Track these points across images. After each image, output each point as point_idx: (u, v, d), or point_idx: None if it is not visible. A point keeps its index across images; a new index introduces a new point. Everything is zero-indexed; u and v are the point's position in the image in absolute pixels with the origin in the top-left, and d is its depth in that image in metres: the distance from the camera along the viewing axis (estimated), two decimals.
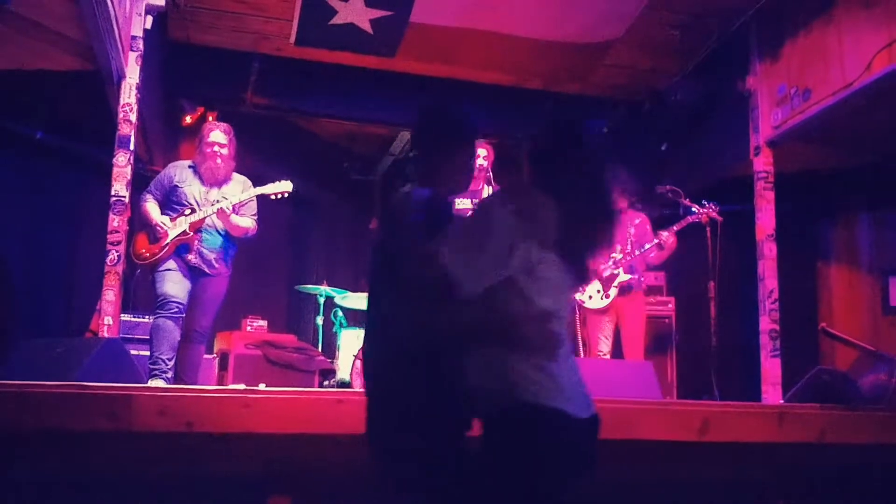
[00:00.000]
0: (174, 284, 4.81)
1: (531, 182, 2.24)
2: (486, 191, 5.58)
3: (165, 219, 4.89)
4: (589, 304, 5.88)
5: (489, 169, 5.52)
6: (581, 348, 6.22)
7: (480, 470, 2.08)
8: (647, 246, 5.78)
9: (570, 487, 2.13)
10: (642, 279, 5.95)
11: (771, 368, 5.63)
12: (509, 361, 2.08)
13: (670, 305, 6.85)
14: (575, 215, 2.13)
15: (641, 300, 5.94)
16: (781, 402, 5.11)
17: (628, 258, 5.77)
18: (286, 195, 5.08)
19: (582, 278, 2.27)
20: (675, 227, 5.71)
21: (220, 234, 4.98)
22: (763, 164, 5.89)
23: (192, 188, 4.97)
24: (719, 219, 5.65)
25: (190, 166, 5.07)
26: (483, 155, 5.51)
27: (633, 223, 5.90)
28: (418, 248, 2.16)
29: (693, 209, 5.74)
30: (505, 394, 2.06)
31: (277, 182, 5.08)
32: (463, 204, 5.42)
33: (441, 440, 2.22)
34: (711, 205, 5.71)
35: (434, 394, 2.23)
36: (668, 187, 5.92)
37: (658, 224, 5.96)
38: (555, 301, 2.15)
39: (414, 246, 2.19)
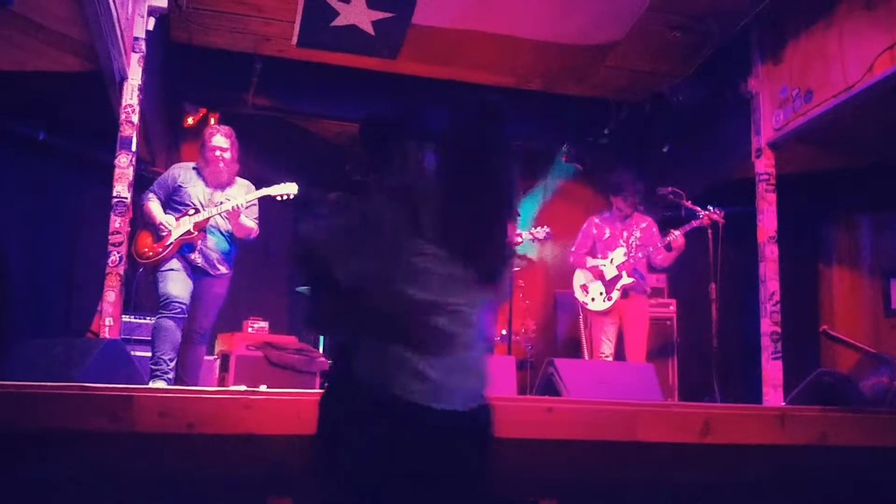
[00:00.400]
0: (177, 285, 4.81)
1: (436, 167, 2.20)
2: None
3: (170, 218, 4.89)
4: (592, 307, 5.88)
5: None
6: (585, 350, 6.23)
7: (359, 463, 2.06)
8: (650, 249, 5.78)
9: (452, 483, 2.08)
10: (646, 282, 5.95)
11: (772, 370, 5.62)
12: (386, 354, 2.06)
13: (672, 308, 6.85)
14: (464, 208, 2.10)
15: (645, 303, 5.94)
16: (783, 404, 5.11)
17: (632, 261, 5.77)
18: (291, 197, 5.09)
19: (484, 275, 2.17)
20: (681, 230, 5.71)
21: (223, 235, 5.00)
22: (765, 165, 5.89)
23: (196, 189, 4.98)
24: (721, 221, 5.65)
25: (194, 168, 5.08)
26: None
27: (640, 227, 5.90)
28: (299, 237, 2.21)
29: (697, 212, 5.72)
30: (379, 386, 2.04)
31: (282, 184, 5.08)
32: None
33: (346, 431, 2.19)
34: (716, 210, 5.70)
35: (338, 383, 2.23)
36: (669, 189, 5.92)
37: (661, 227, 5.97)
38: (441, 295, 2.09)
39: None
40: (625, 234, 5.90)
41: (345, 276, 2.07)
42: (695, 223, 5.71)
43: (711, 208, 5.71)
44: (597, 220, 6.04)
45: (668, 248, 5.72)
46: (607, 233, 5.95)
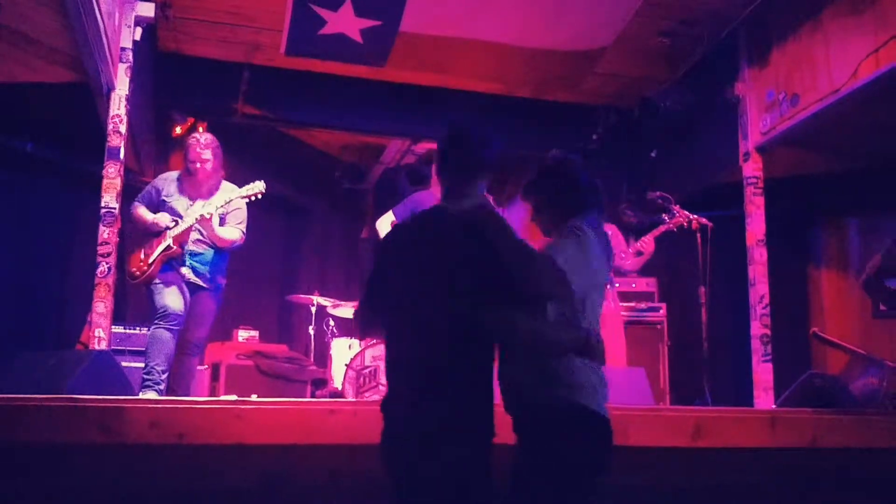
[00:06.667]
0: (174, 297, 4.76)
1: None
2: None
3: (164, 215, 4.83)
4: None
5: None
6: None
7: None
8: (621, 255, 5.75)
9: None
10: (615, 285, 5.88)
11: (763, 373, 5.63)
12: None
13: (662, 311, 6.85)
14: None
15: (615, 307, 5.86)
16: (773, 406, 5.12)
17: None
18: (260, 196, 5.01)
19: None
20: (651, 235, 5.71)
21: (210, 247, 4.94)
22: (752, 169, 5.91)
23: (179, 204, 4.91)
24: (709, 224, 5.64)
25: (177, 178, 5.03)
26: None
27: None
28: None
29: (687, 217, 5.68)
30: None
31: (250, 184, 5.01)
32: None
33: None
34: (699, 217, 5.67)
35: None
36: (658, 194, 5.91)
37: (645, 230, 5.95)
38: None
39: None
40: None
41: None
42: (662, 227, 5.70)
43: (695, 216, 5.67)
44: None
45: (639, 252, 5.72)
46: None
